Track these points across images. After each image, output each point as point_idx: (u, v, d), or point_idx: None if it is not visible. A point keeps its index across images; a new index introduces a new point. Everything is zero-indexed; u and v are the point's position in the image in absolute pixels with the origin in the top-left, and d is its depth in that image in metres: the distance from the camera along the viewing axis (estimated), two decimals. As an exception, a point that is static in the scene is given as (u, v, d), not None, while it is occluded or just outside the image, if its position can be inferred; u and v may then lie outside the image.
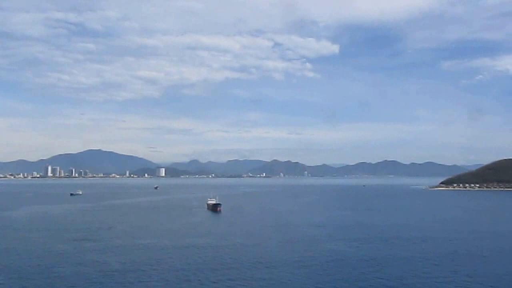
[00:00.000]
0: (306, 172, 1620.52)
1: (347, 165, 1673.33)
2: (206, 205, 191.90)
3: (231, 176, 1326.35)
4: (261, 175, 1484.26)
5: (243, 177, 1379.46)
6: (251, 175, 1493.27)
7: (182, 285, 61.98)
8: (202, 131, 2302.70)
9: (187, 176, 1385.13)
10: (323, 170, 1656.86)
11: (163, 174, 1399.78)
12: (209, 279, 65.26)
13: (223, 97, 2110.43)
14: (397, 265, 75.12)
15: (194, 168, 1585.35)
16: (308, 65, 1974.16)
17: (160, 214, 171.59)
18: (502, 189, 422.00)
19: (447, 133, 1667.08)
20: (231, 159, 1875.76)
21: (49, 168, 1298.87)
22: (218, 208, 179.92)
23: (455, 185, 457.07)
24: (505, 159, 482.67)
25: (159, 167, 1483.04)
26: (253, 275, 67.79)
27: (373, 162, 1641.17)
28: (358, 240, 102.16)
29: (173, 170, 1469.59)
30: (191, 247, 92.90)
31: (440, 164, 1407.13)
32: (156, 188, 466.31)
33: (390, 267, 73.41)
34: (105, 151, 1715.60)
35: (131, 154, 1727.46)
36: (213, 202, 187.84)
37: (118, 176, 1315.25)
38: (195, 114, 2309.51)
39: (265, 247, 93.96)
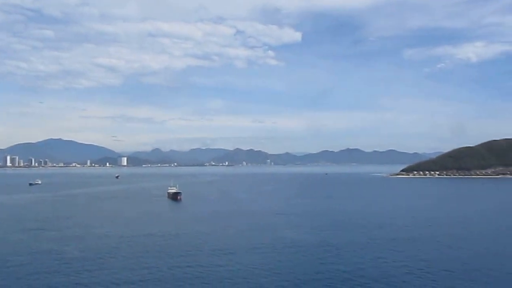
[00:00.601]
0: (269, 160, 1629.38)
1: (310, 154, 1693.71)
2: (166, 194, 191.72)
3: (193, 165, 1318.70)
4: (224, 164, 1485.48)
5: (205, 165, 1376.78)
6: (213, 163, 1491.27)
7: (140, 272, 62.21)
8: (164, 119, 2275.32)
9: (149, 165, 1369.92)
10: (286, 158, 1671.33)
11: (125, 163, 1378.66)
12: (167, 265, 65.84)
13: (185, 85, 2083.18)
14: (354, 250, 77.39)
15: (156, 157, 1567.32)
16: (271, 52, 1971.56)
17: (120, 203, 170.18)
18: (461, 176, 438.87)
19: (409, 121, 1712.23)
20: (193, 148, 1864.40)
21: (8, 158, 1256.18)
22: (179, 197, 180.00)
23: (415, 172, 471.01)
24: (464, 147, 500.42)
25: (121, 156, 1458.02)
26: (211, 261, 68.60)
27: (336, 150, 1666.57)
28: (317, 227, 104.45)
29: (135, 159, 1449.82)
30: (150, 235, 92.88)
31: (402, 152, 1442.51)
32: (117, 177, 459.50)
33: (347, 252, 75.66)
34: (66, 140, 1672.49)
35: (92, 143, 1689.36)
36: (174, 190, 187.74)
37: (79, 166, 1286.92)
38: (157, 102, 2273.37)
39: (224, 234, 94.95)
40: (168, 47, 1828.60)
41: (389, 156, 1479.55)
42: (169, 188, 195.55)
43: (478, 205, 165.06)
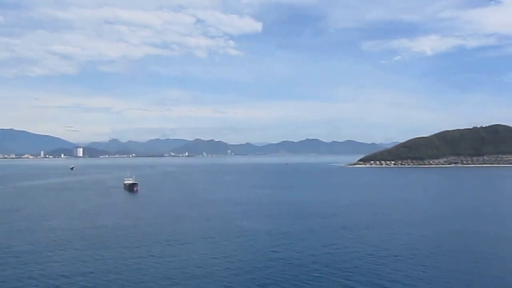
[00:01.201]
0: (229, 151, 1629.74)
1: (271, 144, 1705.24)
2: (122, 185, 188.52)
3: (152, 156, 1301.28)
4: (184, 155, 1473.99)
5: (165, 156, 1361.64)
6: (173, 154, 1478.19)
7: (92, 264, 61.20)
8: (122, 109, 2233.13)
9: (107, 156, 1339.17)
10: (246, 148, 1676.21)
11: (81, 154, 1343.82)
12: (119, 257, 65.02)
13: (143, 74, 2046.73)
14: (307, 238, 79.14)
15: (114, 148, 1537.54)
16: (231, 42, 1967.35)
17: (73, 196, 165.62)
18: (415, 166, 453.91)
19: (368, 112, 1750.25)
20: (152, 138, 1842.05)
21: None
22: (135, 188, 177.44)
23: (372, 162, 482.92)
24: (418, 137, 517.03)
25: (76, 147, 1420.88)
26: (164, 251, 68.37)
27: (296, 140, 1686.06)
28: (273, 216, 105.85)
29: (92, 150, 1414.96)
30: (103, 227, 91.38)
31: (360, 142, 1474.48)
32: (72, 168, 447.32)
33: (301, 240, 77.23)
34: (17, 131, 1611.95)
35: (46, 134, 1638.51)
36: (130, 182, 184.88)
37: (31, 157, 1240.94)
38: (115, 91, 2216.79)
39: (180, 224, 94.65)
40: (126, 35, 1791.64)
41: (348, 146, 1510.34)
42: (125, 179, 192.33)
43: (427, 192, 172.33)
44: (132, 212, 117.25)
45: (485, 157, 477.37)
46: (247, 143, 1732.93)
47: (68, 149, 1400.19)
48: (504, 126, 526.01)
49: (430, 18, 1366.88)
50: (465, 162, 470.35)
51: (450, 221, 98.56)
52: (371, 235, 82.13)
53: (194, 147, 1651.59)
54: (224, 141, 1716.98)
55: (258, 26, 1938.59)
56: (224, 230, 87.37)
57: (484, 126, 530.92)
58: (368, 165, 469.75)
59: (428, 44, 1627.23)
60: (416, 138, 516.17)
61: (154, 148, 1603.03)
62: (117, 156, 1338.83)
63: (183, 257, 64.99)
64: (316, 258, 64.16)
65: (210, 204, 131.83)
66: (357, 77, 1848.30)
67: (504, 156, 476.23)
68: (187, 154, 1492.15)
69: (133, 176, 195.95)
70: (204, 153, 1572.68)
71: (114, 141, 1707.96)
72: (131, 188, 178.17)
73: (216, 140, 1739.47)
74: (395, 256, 65.26)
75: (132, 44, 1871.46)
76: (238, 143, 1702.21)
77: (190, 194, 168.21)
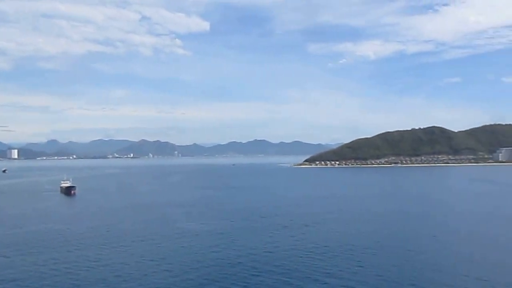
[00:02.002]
0: (176, 152, 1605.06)
1: (219, 145, 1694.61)
2: (59, 188, 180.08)
3: (94, 157, 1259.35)
4: (128, 156, 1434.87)
5: (108, 158, 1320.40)
6: (117, 155, 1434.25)
7: (20, 269, 57.99)
8: (62, 108, 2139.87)
9: (45, 157, 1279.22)
10: (194, 149, 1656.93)
11: (16, 156, 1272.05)
12: (51, 261, 62.11)
13: (85, 72, 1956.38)
14: (249, 237, 79.25)
15: (53, 149, 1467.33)
16: (178, 41, 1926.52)
17: (3, 200, 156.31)
18: (358, 165, 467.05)
19: (314, 113, 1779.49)
20: (95, 139, 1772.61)
21: None
22: (72, 191, 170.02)
23: (317, 162, 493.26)
24: (362, 138, 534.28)
25: (10, 148, 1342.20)
26: (98, 255, 65.83)
27: (244, 141, 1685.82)
28: (216, 218, 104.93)
29: (28, 152, 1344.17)
30: (34, 232, 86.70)
31: (306, 143, 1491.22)
32: (4, 171, 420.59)
33: (242, 239, 77.20)
34: None
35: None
36: (67, 184, 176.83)
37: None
38: (54, 90, 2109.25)
39: (118, 228, 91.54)
40: (66, 30, 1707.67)
41: (295, 147, 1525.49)
42: (62, 182, 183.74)
43: (366, 191, 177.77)
44: (67, 216, 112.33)
45: (422, 157, 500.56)
46: (195, 144, 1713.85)
47: (1, 151, 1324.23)
48: (440, 128, 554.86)
49: (373, 24, 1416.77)
50: (404, 162, 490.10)
51: (387, 219, 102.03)
52: (311, 233, 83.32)
53: (140, 148, 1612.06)
54: (171, 142, 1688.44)
55: (205, 26, 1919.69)
56: (164, 231, 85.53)
57: (422, 127, 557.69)
58: (313, 165, 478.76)
59: (371, 49, 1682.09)
60: (359, 139, 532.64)
61: (97, 149, 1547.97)
62: (56, 157, 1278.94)
63: (119, 260, 62.86)
64: (255, 257, 64.20)
65: (152, 206, 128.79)
66: (304, 79, 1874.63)
67: (439, 156, 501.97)
68: (132, 155, 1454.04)
69: (71, 179, 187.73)
70: (150, 154, 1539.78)
71: (52, 142, 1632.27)
72: (68, 191, 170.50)
73: (163, 141, 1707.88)
74: (333, 252, 66.53)
75: (73, 40, 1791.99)
76: (185, 144, 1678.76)
77: (131, 196, 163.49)
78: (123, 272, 56.76)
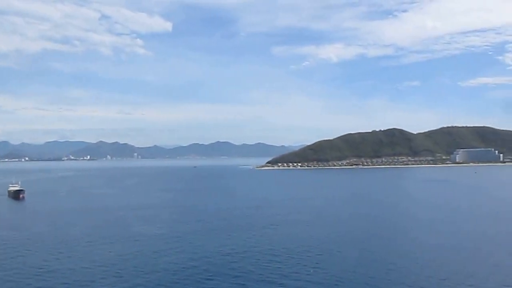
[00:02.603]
0: (136, 154, 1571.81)
1: (180, 146, 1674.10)
2: (6, 192, 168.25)
3: (49, 159, 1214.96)
4: (85, 158, 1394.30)
5: (63, 160, 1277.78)
6: (73, 158, 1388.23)
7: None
8: (14, 108, 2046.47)
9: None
10: (154, 151, 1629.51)
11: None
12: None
13: (40, 70, 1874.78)
14: (204, 240, 77.07)
15: (4, 151, 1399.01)
16: (139, 41, 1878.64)
17: None
18: (320, 167, 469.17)
19: (277, 115, 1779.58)
20: (49, 141, 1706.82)
21: None
22: (21, 195, 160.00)
23: (279, 164, 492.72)
24: (324, 140, 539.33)
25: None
26: (44, 262, 62.10)
27: (206, 143, 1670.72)
28: (172, 220, 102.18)
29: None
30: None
31: (270, 145, 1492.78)
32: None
33: (197, 242, 74.85)
34: None
35: None
36: (15, 188, 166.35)
37: None
38: (6, 88, 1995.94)
39: (66, 233, 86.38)
40: (21, 27, 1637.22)
41: (258, 148, 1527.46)
42: (10, 185, 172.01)
43: (326, 192, 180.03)
44: (14, 221, 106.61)
45: (383, 159, 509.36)
46: (155, 146, 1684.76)
47: None
48: (399, 130, 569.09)
49: (335, 28, 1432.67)
50: (365, 163, 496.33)
51: (346, 221, 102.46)
52: (269, 235, 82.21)
53: (97, 150, 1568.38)
54: (130, 144, 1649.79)
55: (168, 26, 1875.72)
56: (116, 236, 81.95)
57: (382, 130, 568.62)
58: (276, 167, 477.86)
59: (333, 52, 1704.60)
60: (321, 141, 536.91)
61: (52, 151, 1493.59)
62: (6, 160, 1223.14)
63: (67, 267, 59.56)
64: (211, 260, 62.56)
65: (105, 210, 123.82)
66: (268, 81, 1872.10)
67: (399, 157, 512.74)
68: (88, 157, 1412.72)
69: (19, 182, 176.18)
70: (108, 156, 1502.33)
71: (3, 143, 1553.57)
72: (16, 195, 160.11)
73: (122, 142, 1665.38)
74: (290, 254, 65.49)
75: (28, 38, 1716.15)
76: (145, 146, 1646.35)
77: (83, 200, 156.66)
78: (70, 279, 53.73)
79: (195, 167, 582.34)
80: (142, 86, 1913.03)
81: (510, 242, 72.71)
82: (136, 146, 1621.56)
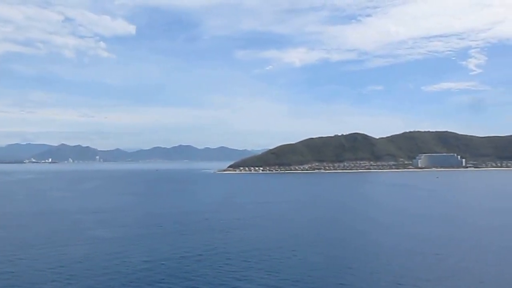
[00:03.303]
0: (98, 157, 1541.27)
1: (142, 150, 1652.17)
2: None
3: (10, 162, 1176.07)
4: (47, 161, 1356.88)
5: (25, 162, 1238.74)
6: (34, 160, 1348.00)
7: None
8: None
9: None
10: (116, 154, 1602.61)
11: None
12: None
13: (2, 73, 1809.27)
14: (158, 244, 76.19)
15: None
16: (102, 44, 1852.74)
17: None
18: (282, 171, 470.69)
19: (241, 119, 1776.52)
20: (11, 143, 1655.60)
21: None
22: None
23: (241, 168, 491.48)
24: (286, 144, 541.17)
25: None
26: None
27: (169, 146, 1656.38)
28: (128, 225, 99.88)
29: None
30: None
31: (232, 149, 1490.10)
32: None
33: (150, 247, 73.85)
34: None
35: None
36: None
37: None
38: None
39: (18, 237, 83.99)
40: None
41: (221, 152, 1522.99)
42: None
43: (283, 197, 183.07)
44: None
45: (345, 163, 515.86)
46: (117, 149, 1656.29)
47: None
48: (362, 134, 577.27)
49: (298, 32, 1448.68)
50: (327, 168, 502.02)
51: (303, 225, 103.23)
52: (225, 239, 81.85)
53: (59, 152, 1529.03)
54: (93, 147, 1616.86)
55: (131, 29, 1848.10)
56: (70, 239, 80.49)
57: (344, 134, 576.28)
58: (237, 171, 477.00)
59: (296, 56, 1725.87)
60: (283, 145, 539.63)
61: (12, 154, 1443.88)
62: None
63: (19, 268, 58.84)
64: (165, 263, 62.05)
65: (62, 213, 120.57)
66: (230, 85, 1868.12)
67: (361, 162, 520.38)
68: (50, 160, 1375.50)
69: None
70: (70, 159, 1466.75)
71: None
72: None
73: (84, 145, 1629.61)
74: (245, 258, 65.62)
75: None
76: (107, 149, 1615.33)
77: (42, 203, 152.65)
78: (23, 281, 53.03)
79: (157, 170, 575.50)
80: (105, 89, 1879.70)
81: (460, 245, 75.28)
82: (98, 149, 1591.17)
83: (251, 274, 56.30)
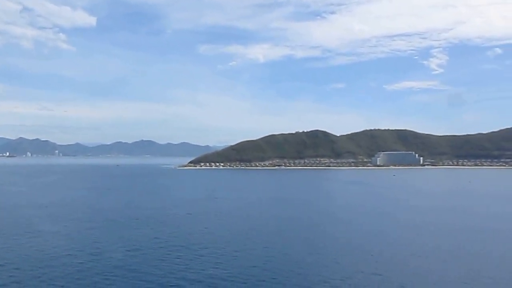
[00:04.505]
0: (57, 151, 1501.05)
1: (103, 144, 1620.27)
2: None
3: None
4: (4, 155, 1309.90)
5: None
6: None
7: None
8: None
9: None
10: (76, 149, 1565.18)
11: None
12: None
13: None
14: (109, 240, 76.01)
15: None
16: (62, 35, 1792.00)
17: None
18: (243, 168, 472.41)
19: (203, 115, 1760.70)
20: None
21: None
22: None
23: (202, 164, 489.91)
24: (247, 141, 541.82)
25: None
26: None
27: (130, 141, 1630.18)
28: (79, 219, 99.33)
29: None
30: None
31: (195, 145, 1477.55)
32: None
33: (101, 243, 73.23)
34: None
35: None
36: None
37: None
38: None
39: None
40: None
41: (183, 148, 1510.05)
42: None
43: (240, 192, 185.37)
44: None
45: (305, 160, 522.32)
46: (77, 144, 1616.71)
47: None
48: (323, 131, 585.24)
49: (263, 27, 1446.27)
50: (288, 164, 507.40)
51: (257, 220, 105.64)
52: (175, 234, 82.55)
53: (17, 146, 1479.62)
54: (52, 141, 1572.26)
55: (92, 21, 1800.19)
56: (20, 233, 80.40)
57: (306, 131, 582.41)
58: (198, 167, 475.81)
59: (261, 52, 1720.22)
60: (245, 141, 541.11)
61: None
62: None
63: None
64: (111, 256, 62.72)
65: (14, 207, 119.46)
66: (194, 80, 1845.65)
67: (321, 159, 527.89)
68: (8, 154, 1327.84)
69: None
70: (28, 153, 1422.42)
71: None
72: None
73: (43, 139, 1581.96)
74: (195, 253, 66.76)
75: None
76: (67, 143, 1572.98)
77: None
78: None
79: (117, 165, 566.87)
80: (65, 82, 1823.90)
81: (392, 241, 79.60)
82: (58, 143, 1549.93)
83: (198, 268, 57.41)
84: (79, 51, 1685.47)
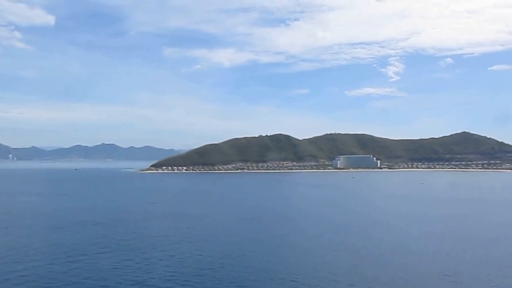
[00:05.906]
0: (11, 155, 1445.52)
1: (61, 148, 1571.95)
2: None
3: None
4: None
5: None
6: None
7: None
8: None
9: None
10: (32, 153, 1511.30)
11: None
12: None
13: None
14: (56, 250, 73.15)
15: None
16: (18, 33, 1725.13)
17: None
18: (206, 171, 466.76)
19: (167, 118, 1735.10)
20: None
21: None
22: None
23: (164, 168, 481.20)
24: (210, 144, 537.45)
25: None
26: None
27: (90, 145, 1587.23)
28: (26, 227, 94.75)
29: None
30: None
31: (158, 148, 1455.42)
32: None
33: (45, 253, 70.20)
34: None
35: None
36: None
37: None
38: None
39: None
40: None
41: (146, 152, 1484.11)
42: None
43: (199, 195, 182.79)
44: None
45: (268, 163, 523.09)
46: (33, 147, 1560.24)
47: None
48: (285, 135, 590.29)
49: (227, 32, 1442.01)
50: (251, 167, 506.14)
51: (214, 223, 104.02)
52: (125, 237, 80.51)
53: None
54: (5, 144, 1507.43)
55: (50, 19, 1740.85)
56: None
57: (269, 135, 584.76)
58: (160, 171, 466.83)
59: (225, 56, 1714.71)
60: (208, 144, 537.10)
61: None
62: None
63: None
64: (52, 266, 59.85)
65: None
66: (157, 83, 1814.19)
67: (284, 162, 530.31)
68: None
69: None
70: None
71: None
72: None
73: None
74: (144, 256, 64.83)
75: None
76: (22, 147, 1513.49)
77: None
78: None
79: (76, 169, 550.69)
80: (20, 82, 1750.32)
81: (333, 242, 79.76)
82: (12, 146, 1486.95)
83: (146, 270, 56.56)
84: (36, 51, 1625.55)
